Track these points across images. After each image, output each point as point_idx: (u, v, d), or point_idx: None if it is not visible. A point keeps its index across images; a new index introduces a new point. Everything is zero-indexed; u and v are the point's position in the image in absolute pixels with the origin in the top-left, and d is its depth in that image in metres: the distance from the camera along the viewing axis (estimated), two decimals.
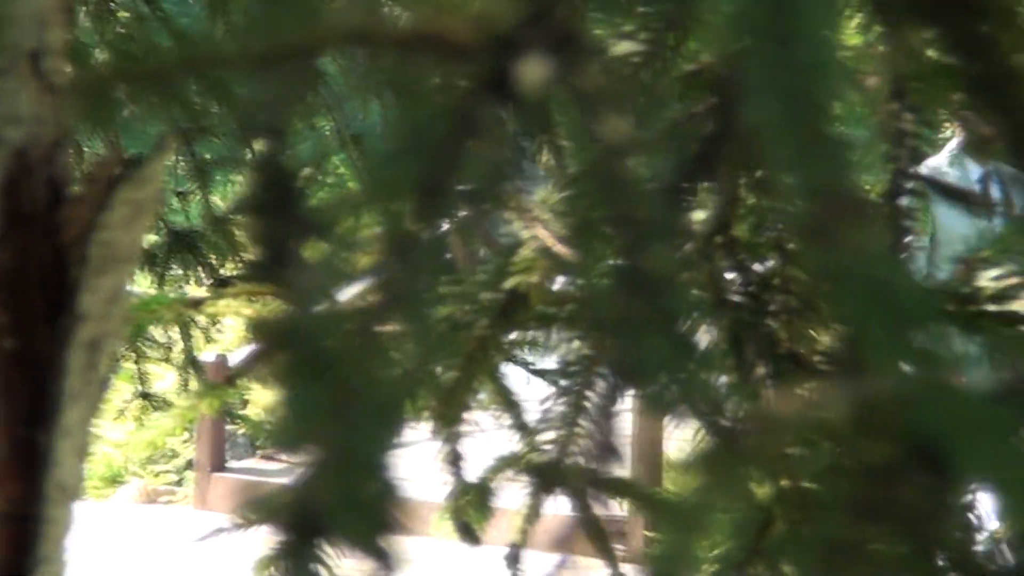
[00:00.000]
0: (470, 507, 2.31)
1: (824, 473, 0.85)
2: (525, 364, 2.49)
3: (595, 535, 2.29)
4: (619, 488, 2.29)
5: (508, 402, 2.31)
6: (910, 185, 2.03)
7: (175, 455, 11.69)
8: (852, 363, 0.78)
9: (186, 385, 5.22)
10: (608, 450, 1.89)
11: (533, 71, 0.79)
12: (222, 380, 2.73)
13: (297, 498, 0.75)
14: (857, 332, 0.76)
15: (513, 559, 2.29)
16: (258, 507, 0.77)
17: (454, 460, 2.31)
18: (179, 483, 11.51)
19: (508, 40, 0.79)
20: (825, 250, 0.78)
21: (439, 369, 2.19)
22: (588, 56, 0.77)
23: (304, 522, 0.75)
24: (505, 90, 0.79)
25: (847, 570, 0.79)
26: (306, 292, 0.77)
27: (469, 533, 2.32)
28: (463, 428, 2.28)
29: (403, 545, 0.80)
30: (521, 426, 2.30)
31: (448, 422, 2.25)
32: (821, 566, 0.80)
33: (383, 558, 0.80)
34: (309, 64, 0.77)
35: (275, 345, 0.77)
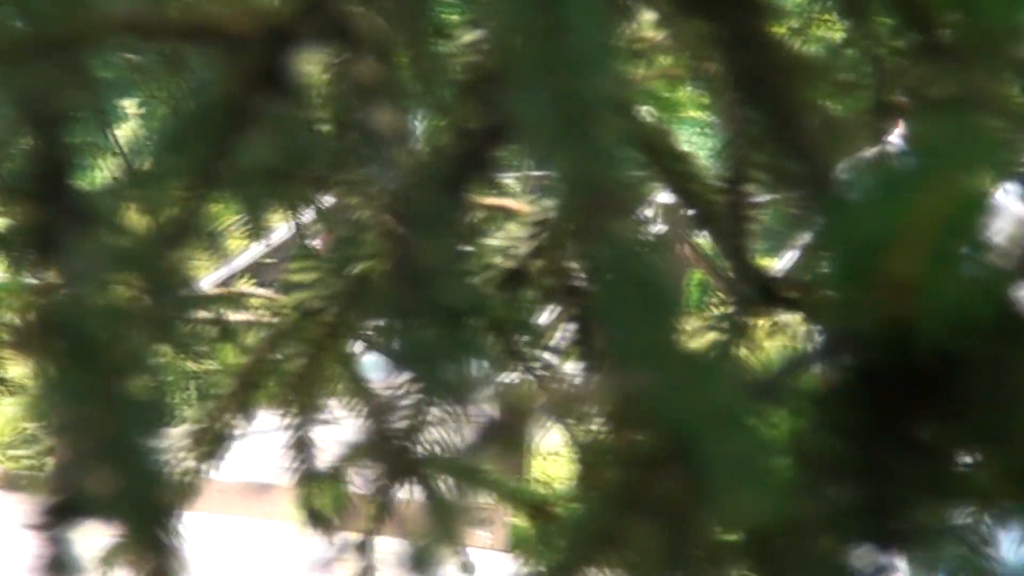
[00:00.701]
0: (321, 494, 2.32)
1: (593, 462, 0.86)
2: (384, 350, 2.49)
3: (446, 520, 2.30)
4: (469, 476, 2.31)
5: (360, 389, 2.31)
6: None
7: (36, 440, 11.55)
8: (610, 355, 0.80)
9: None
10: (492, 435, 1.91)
11: (308, 62, 0.79)
12: None
13: (61, 483, 0.76)
14: (610, 324, 0.77)
15: (363, 547, 2.30)
16: (25, 488, 0.77)
17: (303, 447, 2.31)
18: (40, 468, 11.35)
19: (284, 31, 0.80)
20: (586, 242, 0.79)
21: (287, 355, 2.19)
22: (362, 48, 0.78)
23: (65, 507, 0.75)
24: (281, 80, 0.80)
25: (606, 556, 0.81)
26: (76, 278, 0.77)
27: (320, 519, 2.33)
28: (314, 415, 2.28)
29: (173, 530, 0.81)
30: (373, 413, 2.30)
31: (298, 409, 2.25)
32: (583, 552, 0.82)
33: (154, 543, 0.81)
34: (83, 53, 0.78)
35: (44, 332, 0.77)
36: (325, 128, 0.83)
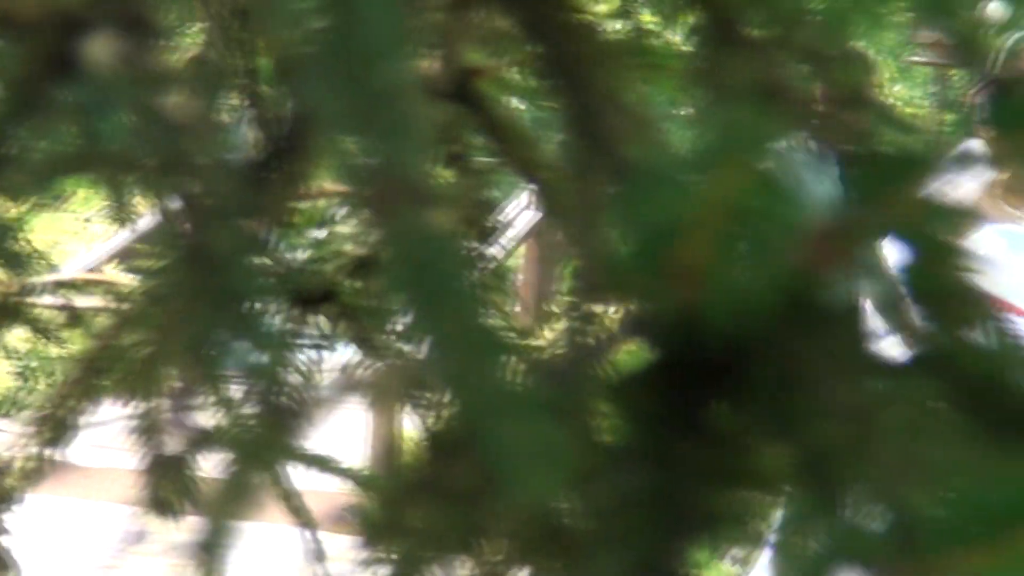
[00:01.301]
0: (167, 480, 2.30)
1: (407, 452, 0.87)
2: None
3: (293, 507, 2.30)
4: (323, 464, 2.31)
5: (209, 376, 2.30)
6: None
7: None
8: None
9: None
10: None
11: (99, 50, 0.79)
12: None
13: None
14: (404, 310, 0.78)
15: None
16: None
17: (150, 432, 2.29)
18: None
19: (75, 18, 0.79)
20: (381, 230, 0.79)
21: (133, 342, 2.18)
22: (154, 37, 0.78)
23: None
24: (73, 67, 0.80)
25: (398, 541, 0.82)
26: None
27: (165, 506, 2.31)
28: (161, 401, 2.27)
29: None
30: (221, 401, 2.29)
31: (144, 395, 2.24)
32: (376, 536, 0.82)
33: None
34: None
35: None
36: (124, 115, 0.82)
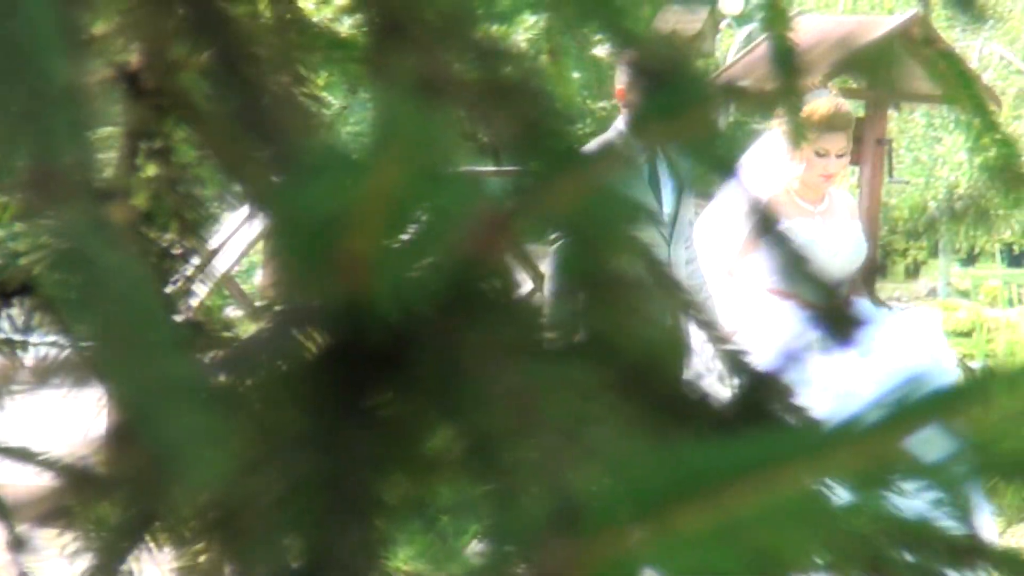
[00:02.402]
0: None
1: None
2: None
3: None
4: (21, 455, 2.28)
5: None
6: None
7: None
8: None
9: None
10: None
11: None
12: None
13: None
14: (64, 307, 0.77)
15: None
16: None
17: None
18: None
19: None
20: (36, 226, 0.79)
21: None
22: None
23: None
24: None
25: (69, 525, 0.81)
26: None
27: None
28: None
29: None
30: None
31: None
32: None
33: None
34: None
35: None
36: None
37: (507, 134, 0.92)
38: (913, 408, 0.81)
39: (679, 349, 0.92)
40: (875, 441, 0.80)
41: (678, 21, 16.01)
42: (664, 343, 0.92)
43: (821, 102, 5.79)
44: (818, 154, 5.75)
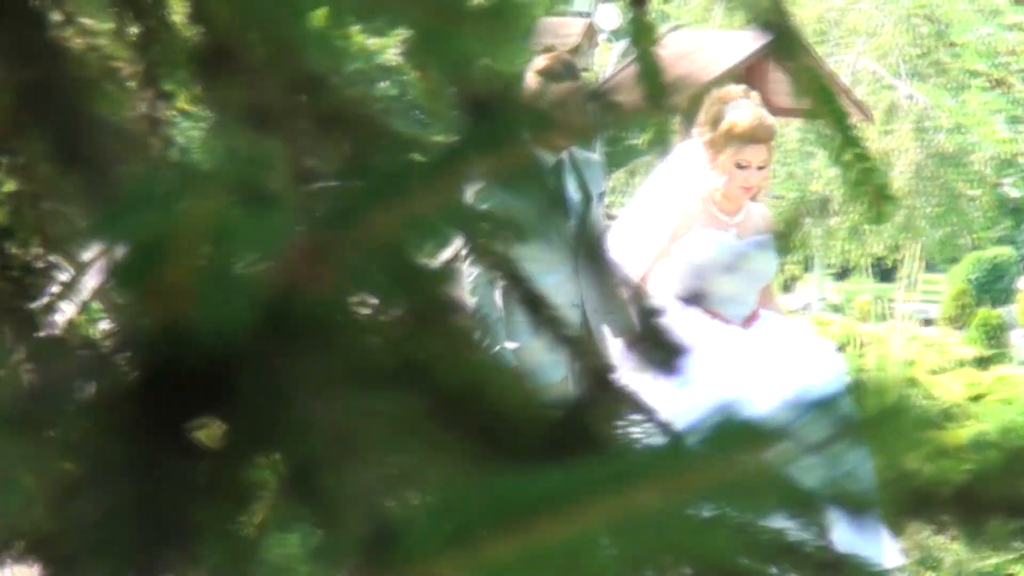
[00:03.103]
0: None
1: None
2: None
3: None
4: None
5: None
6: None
7: None
8: None
9: None
10: None
11: None
12: None
13: None
14: None
15: None
16: None
17: None
18: None
19: None
20: None
21: None
22: None
23: None
24: None
25: None
26: None
27: None
28: None
29: None
30: None
31: None
32: None
33: None
34: None
35: None
36: None
37: (335, 161, 0.92)
38: (722, 437, 0.83)
39: (504, 375, 0.93)
40: (685, 467, 0.81)
41: (556, 36, 16.10)
42: (489, 370, 0.92)
43: (743, 114, 5.72)
44: (739, 166, 5.68)
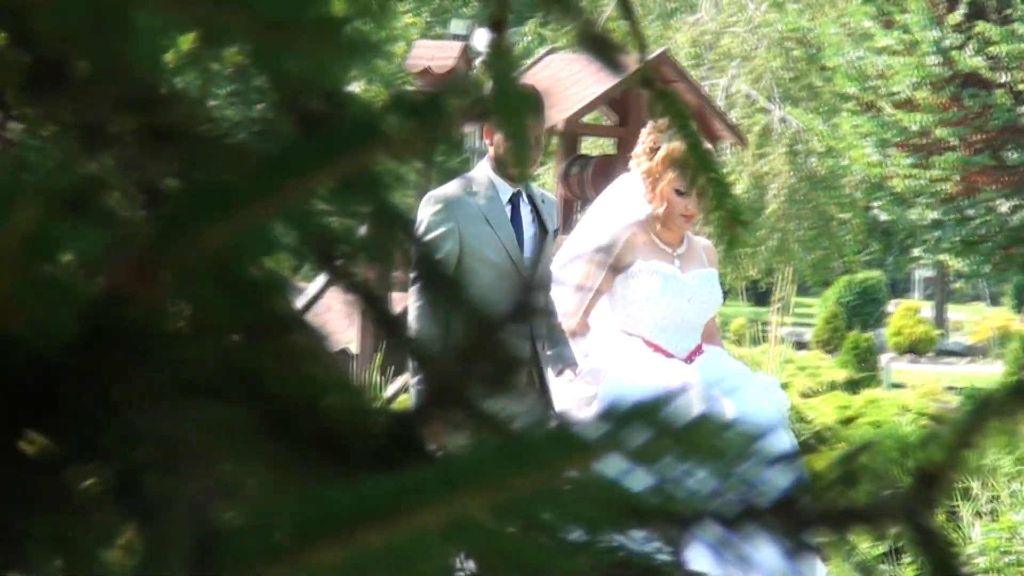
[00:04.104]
0: None
1: None
2: None
3: None
4: None
5: None
6: None
7: None
8: None
9: None
10: None
11: None
12: None
13: None
14: None
15: None
16: None
17: None
18: None
19: None
20: None
21: None
22: None
23: None
24: None
25: None
26: None
27: None
28: None
29: None
30: None
31: None
32: None
33: None
34: None
35: None
36: None
37: (164, 176, 0.93)
38: (550, 445, 0.84)
39: (339, 388, 0.94)
40: (507, 477, 0.83)
41: (432, 58, 16.14)
42: (323, 382, 0.93)
43: (679, 140, 5.64)
44: (678, 192, 5.63)
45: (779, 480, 0.91)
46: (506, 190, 5.70)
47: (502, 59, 1.24)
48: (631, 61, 1.74)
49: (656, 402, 0.85)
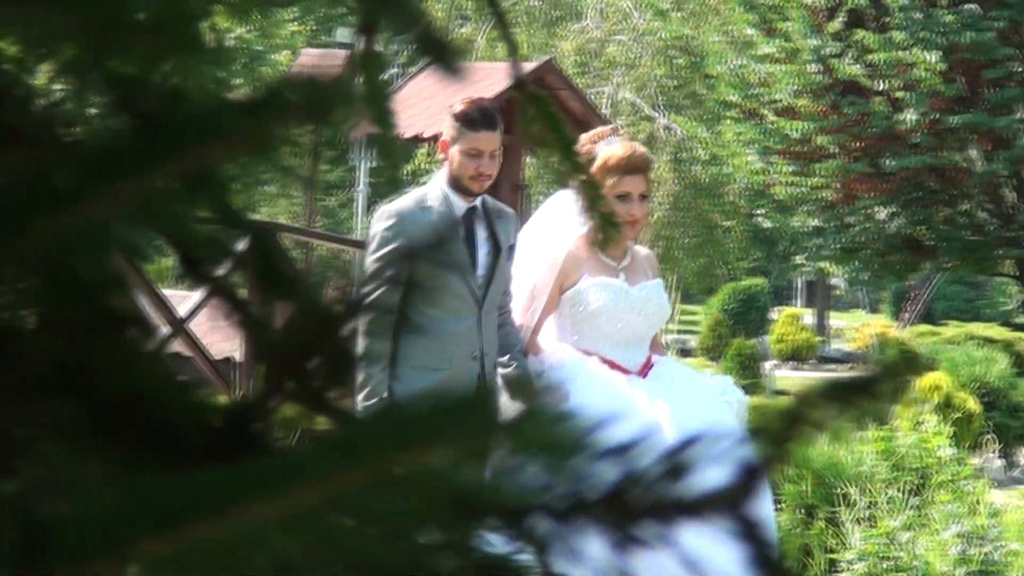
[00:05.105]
0: None
1: None
2: None
3: None
4: None
5: None
6: None
7: None
8: None
9: None
10: None
11: None
12: None
13: None
14: None
15: None
16: None
17: None
18: None
19: None
20: None
21: None
22: None
23: None
24: None
25: None
26: None
27: None
28: None
29: None
30: None
31: None
32: None
33: None
34: None
35: None
36: None
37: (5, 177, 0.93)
38: (389, 437, 0.86)
39: (172, 385, 0.95)
40: (338, 470, 0.84)
41: (318, 67, 16.02)
42: (156, 379, 0.94)
43: (615, 147, 5.66)
44: (620, 198, 5.57)
45: (609, 474, 0.93)
46: (461, 205, 5.60)
47: (371, 62, 1.26)
48: (510, 68, 1.76)
49: (479, 396, 0.87)
